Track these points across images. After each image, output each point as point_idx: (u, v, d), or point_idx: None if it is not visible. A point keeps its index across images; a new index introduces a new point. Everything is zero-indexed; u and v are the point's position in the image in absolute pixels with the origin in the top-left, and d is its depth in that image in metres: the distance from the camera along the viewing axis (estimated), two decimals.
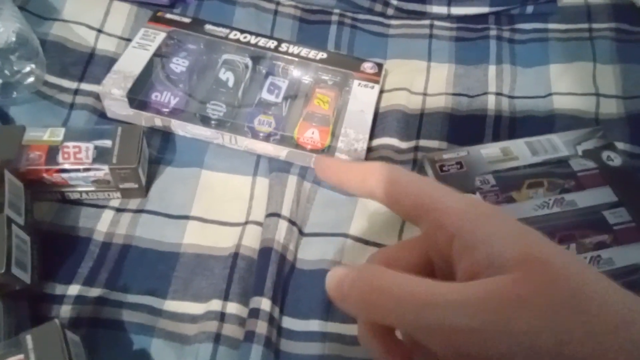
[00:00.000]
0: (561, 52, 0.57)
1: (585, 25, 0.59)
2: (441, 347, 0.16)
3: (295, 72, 0.52)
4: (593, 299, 0.15)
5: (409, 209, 0.19)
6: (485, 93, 0.54)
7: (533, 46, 0.58)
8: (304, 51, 0.53)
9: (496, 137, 0.51)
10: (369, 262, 0.21)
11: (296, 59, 0.52)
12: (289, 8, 0.61)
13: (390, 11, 0.61)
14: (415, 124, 0.52)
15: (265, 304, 0.39)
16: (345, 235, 0.44)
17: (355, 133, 0.47)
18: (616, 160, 0.47)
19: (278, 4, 0.61)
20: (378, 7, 0.60)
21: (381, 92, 0.55)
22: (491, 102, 0.54)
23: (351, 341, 0.39)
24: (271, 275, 0.40)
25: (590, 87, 0.54)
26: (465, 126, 0.52)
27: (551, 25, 0.60)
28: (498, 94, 0.54)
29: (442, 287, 0.16)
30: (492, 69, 0.56)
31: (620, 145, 0.49)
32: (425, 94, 0.55)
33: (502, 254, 0.16)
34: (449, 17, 0.60)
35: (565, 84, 0.55)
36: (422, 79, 0.56)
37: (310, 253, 0.43)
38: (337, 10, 0.61)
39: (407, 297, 0.16)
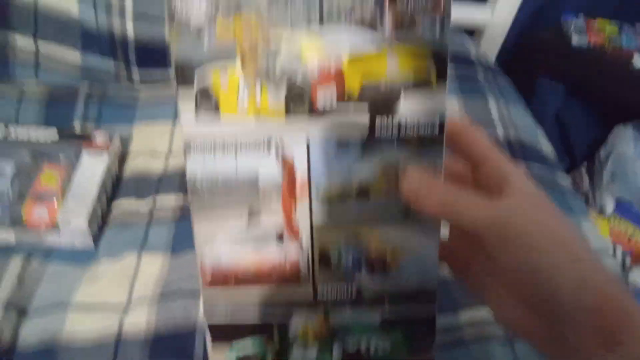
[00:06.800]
0: None
1: None
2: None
3: (23, 154, 0.53)
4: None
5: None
6: None
7: None
8: (33, 133, 0.55)
9: None
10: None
11: (25, 141, 0.54)
12: (35, 93, 0.63)
13: (136, 76, 0.66)
14: (154, 182, 0.56)
15: None
16: (68, 304, 0.45)
17: (75, 203, 0.49)
18: None
19: (23, 92, 0.63)
20: (122, 73, 0.65)
21: (125, 156, 0.58)
22: None
23: None
24: None
25: None
26: None
27: None
28: None
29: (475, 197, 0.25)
30: None
31: None
32: (169, 153, 0.59)
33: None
34: None
35: None
36: (166, 140, 0.61)
37: (33, 332, 0.44)
38: (85, 86, 0.64)
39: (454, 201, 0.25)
